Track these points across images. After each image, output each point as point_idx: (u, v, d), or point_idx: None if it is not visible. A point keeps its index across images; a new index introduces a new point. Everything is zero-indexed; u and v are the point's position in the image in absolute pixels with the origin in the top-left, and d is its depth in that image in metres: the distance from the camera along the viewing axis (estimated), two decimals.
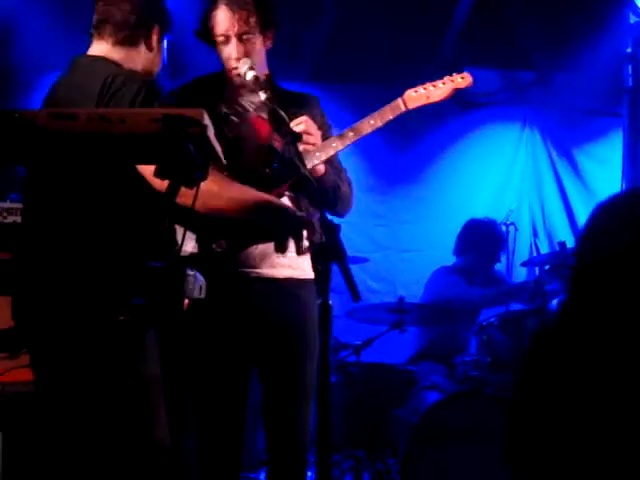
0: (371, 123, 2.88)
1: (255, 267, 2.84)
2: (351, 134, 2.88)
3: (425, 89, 2.96)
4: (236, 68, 2.90)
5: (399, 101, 2.93)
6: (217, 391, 2.87)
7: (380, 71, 5.89)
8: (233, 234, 2.76)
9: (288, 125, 2.69)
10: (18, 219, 3.58)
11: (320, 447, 2.37)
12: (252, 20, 2.89)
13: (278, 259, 2.88)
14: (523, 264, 5.39)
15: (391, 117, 2.91)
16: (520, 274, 5.79)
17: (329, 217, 2.25)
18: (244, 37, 2.88)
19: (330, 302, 2.22)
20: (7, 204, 3.62)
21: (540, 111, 6.28)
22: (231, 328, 2.83)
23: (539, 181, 6.25)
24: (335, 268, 2.18)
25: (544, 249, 5.90)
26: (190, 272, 1.96)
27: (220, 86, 2.99)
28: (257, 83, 2.81)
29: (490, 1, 5.84)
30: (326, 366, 2.22)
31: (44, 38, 5.41)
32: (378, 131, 5.70)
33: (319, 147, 2.85)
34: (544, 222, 6.19)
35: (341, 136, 2.88)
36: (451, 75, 2.95)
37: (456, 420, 4.11)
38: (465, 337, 5.05)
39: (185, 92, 2.97)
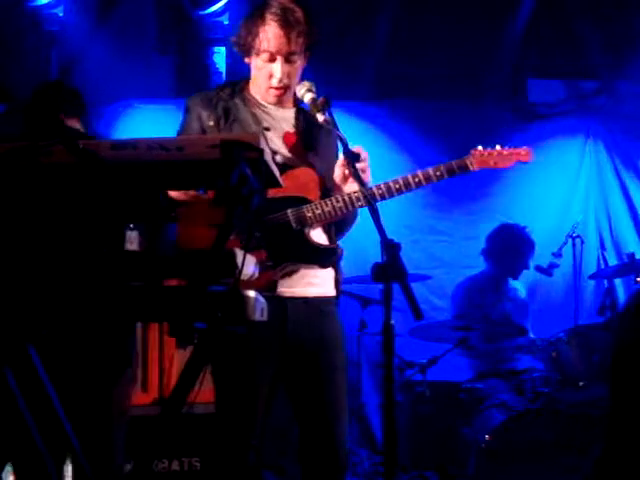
0: (437, 174, 2.88)
1: (292, 287, 2.85)
2: (416, 180, 2.86)
3: (491, 154, 3.01)
4: (278, 88, 2.88)
5: (467, 161, 2.94)
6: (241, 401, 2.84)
7: (441, 85, 5.88)
8: (277, 253, 2.78)
9: (347, 145, 2.70)
10: None
11: (387, 467, 2.35)
12: (300, 40, 2.86)
13: (311, 279, 2.90)
14: (591, 277, 5.30)
15: (457, 173, 2.92)
16: (588, 287, 5.69)
17: (389, 237, 2.23)
18: (291, 57, 2.86)
19: (392, 321, 2.21)
20: None
21: (604, 121, 6.19)
22: (264, 346, 2.82)
23: (605, 193, 6.15)
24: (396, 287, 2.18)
25: (612, 261, 5.80)
26: (251, 294, 1.97)
27: (244, 96, 2.96)
28: (314, 105, 2.80)
29: (552, 10, 5.79)
30: (390, 386, 2.21)
31: (104, 71, 5.54)
32: (436, 144, 5.72)
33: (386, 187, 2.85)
34: (611, 234, 6.09)
35: (406, 178, 2.86)
36: (517, 147, 3.07)
37: (526, 438, 4.05)
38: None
39: (210, 99, 2.93)
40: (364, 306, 5.03)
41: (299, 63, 2.91)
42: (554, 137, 6.18)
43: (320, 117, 2.76)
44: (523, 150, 3.07)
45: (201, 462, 3.69)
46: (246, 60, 2.96)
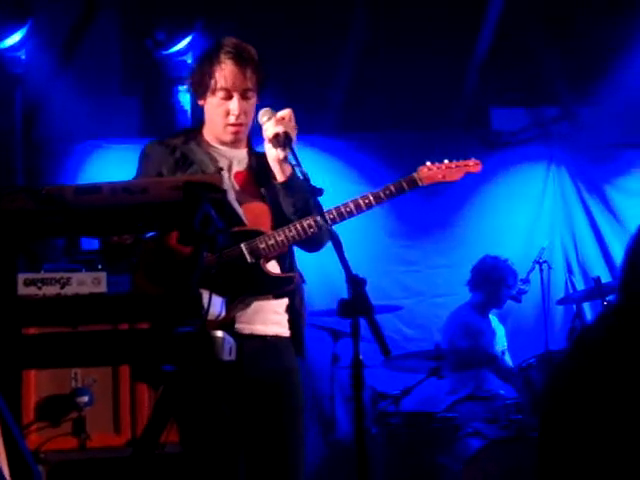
0: (386, 193, 2.92)
1: (250, 323, 2.85)
2: (367, 201, 2.89)
3: (440, 168, 3.05)
4: (235, 125, 2.89)
5: (415, 177, 2.99)
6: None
7: (404, 117, 5.93)
8: (234, 288, 2.78)
9: (309, 180, 2.72)
10: (52, 290, 3.62)
11: None
12: (254, 77, 2.90)
13: (270, 315, 2.90)
14: (559, 302, 5.35)
15: (406, 190, 2.96)
16: (557, 312, 5.74)
17: (354, 272, 2.25)
18: (247, 94, 2.89)
19: (361, 356, 2.22)
20: (41, 274, 3.67)
21: (567, 147, 6.27)
22: (220, 385, 2.79)
23: (570, 217, 6.22)
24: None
25: (580, 285, 5.86)
26: (219, 334, 1.98)
27: (198, 140, 2.97)
28: (277, 141, 2.81)
29: (512, 38, 5.87)
30: (360, 421, 2.21)
31: (71, 111, 5.55)
32: (402, 174, 5.75)
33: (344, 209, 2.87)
34: (577, 258, 6.15)
35: (356, 201, 2.89)
36: (465, 159, 3.10)
37: (501, 466, 4.05)
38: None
39: (167, 145, 2.94)
40: (336, 339, 5.04)
41: (253, 100, 2.93)
42: (518, 164, 6.26)
43: (281, 152, 2.79)
44: (471, 162, 3.10)
45: None
46: (200, 102, 2.97)
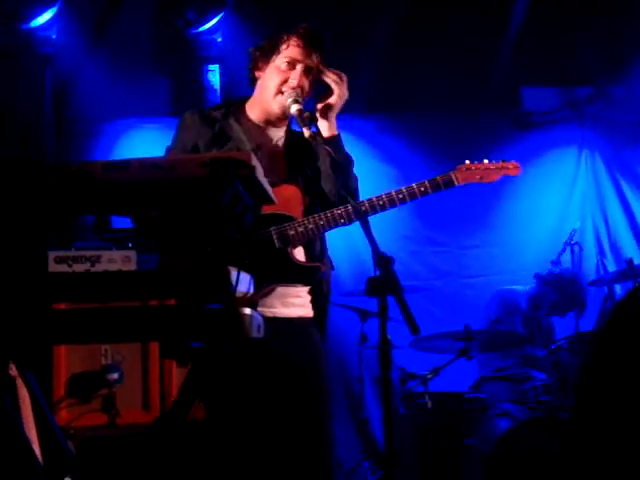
0: (421, 190, 2.90)
1: (272, 307, 2.85)
2: (400, 196, 2.87)
3: (478, 168, 3.03)
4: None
5: (452, 176, 2.96)
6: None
7: (433, 97, 5.88)
8: (259, 272, 2.78)
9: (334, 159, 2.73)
10: (82, 268, 3.65)
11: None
12: (317, 64, 2.95)
13: (292, 299, 2.91)
14: (591, 283, 5.30)
15: (442, 189, 2.93)
16: (588, 294, 5.68)
17: (385, 249, 2.23)
18: (307, 72, 2.93)
19: (389, 335, 2.20)
20: (72, 252, 3.70)
21: (600, 127, 6.19)
22: (245, 366, 2.81)
23: (602, 199, 6.14)
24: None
25: (611, 267, 5.79)
26: (247, 311, 1.97)
27: (238, 116, 3.00)
28: (301, 117, 2.82)
29: (544, 17, 5.80)
30: (388, 400, 2.20)
31: (101, 90, 5.56)
32: (432, 157, 5.73)
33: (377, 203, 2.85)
34: (610, 240, 6.08)
35: (390, 195, 2.87)
36: (505, 161, 3.08)
37: (530, 447, 4.03)
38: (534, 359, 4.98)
39: (207, 117, 2.97)
40: (364, 319, 5.03)
41: (309, 83, 2.96)
42: (550, 145, 6.18)
43: (306, 132, 2.79)
44: (511, 164, 3.07)
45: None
46: (257, 74, 2.99)
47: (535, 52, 5.97)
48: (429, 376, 4.64)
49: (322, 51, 2.96)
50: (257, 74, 3.00)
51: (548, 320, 5.24)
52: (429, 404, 4.60)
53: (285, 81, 2.91)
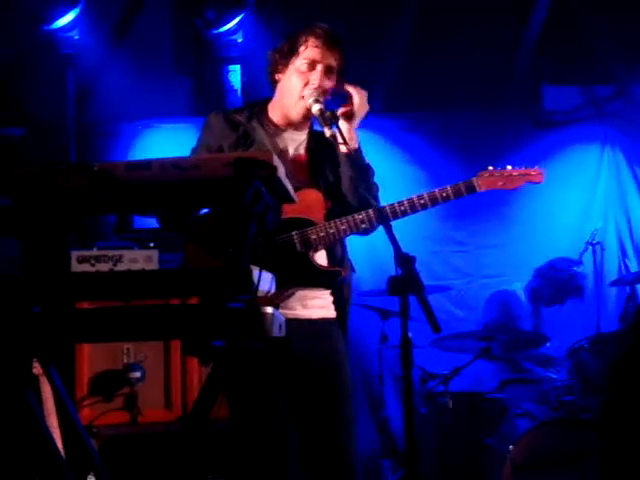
0: (443, 195, 2.89)
1: (292, 309, 2.86)
2: (422, 201, 2.87)
3: (501, 175, 3.01)
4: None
5: (474, 183, 2.95)
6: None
7: (456, 96, 5.87)
8: (280, 275, 2.78)
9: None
10: (105, 268, 3.67)
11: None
12: (339, 61, 2.94)
13: (313, 301, 2.91)
14: (612, 283, 5.27)
15: (463, 194, 2.93)
16: (610, 294, 5.66)
17: (405, 249, 2.23)
18: (328, 72, 2.91)
19: (410, 334, 2.21)
20: (94, 252, 3.72)
21: (622, 126, 6.14)
22: (271, 365, 2.82)
23: (624, 198, 6.09)
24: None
25: (634, 267, 5.76)
26: (269, 310, 1.98)
27: (261, 119, 2.99)
28: (322, 116, 2.81)
29: (565, 16, 5.77)
30: (410, 399, 2.21)
31: (122, 90, 5.60)
32: (454, 156, 5.72)
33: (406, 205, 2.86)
34: (632, 240, 6.03)
35: (411, 200, 2.87)
36: (527, 167, 3.05)
37: (551, 447, 4.01)
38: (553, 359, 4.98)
39: (231, 119, 2.96)
40: (384, 318, 5.03)
41: (332, 84, 2.94)
42: (571, 144, 6.15)
43: (327, 132, 2.78)
44: (534, 171, 3.05)
45: (225, 479, 3.69)
46: (277, 76, 2.98)
47: (556, 51, 5.95)
48: (449, 376, 4.64)
49: (341, 49, 2.95)
50: (277, 77, 2.99)
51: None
52: (450, 404, 4.59)
53: (306, 84, 2.90)
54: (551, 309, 5.53)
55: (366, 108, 2.95)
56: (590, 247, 5.04)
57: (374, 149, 5.53)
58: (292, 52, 2.92)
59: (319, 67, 2.90)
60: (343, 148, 2.87)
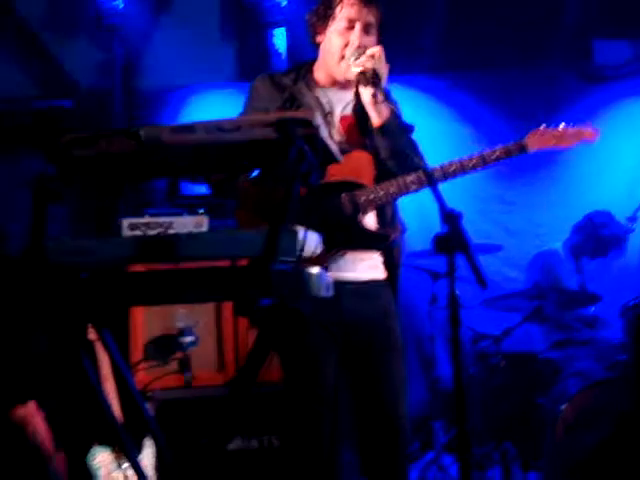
0: (493, 157, 2.83)
1: (343, 271, 2.85)
2: (472, 163, 2.82)
3: (554, 134, 2.95)
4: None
5: (525, 143, 2.88)
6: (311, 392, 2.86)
7: (504, 52, 5.79)
8: (329, 238, 2.78)
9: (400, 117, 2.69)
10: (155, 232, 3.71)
11: (460, 440, 2.34)
12: (376, 17, 2.90)
13: (362, 263, 2.90)
14: None
15: (514, 155, 2.86)
16: (623, 229, 5.56)
17: (449, 207, 2.21)
18: (367, 29, 2.88)
19: (458, 292, 2.20)
20: (145, 219, 3.77)
21: None
22: (320, 330, 2.82)
23: None
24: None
25: None
26: (315, 271, 1.99)
27: (308, 80, 2.97)
28: (364, 76, 2.77)
29: None
30: (458, 357, 2.20)
31: (168, 58, 5.62)
32: (502, 114, 5.64)
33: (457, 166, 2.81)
34: None
35: (461, 162, 2.82)
36: (582, 126, 2.97)
37: (605, 407, 3.98)
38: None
39: (278, 82, 2.95)
40: (435, 280, 5.02)
41: (373, 39, 2.90)
42: (623, 99, 6.02)
43: (369, 91, 2.75)
44: (588, 130, 2.96)
45: (280, 440, 3.73)
46: (317, 38, 2.96)
47: (605, 5, 5.82)
48: (501, 336, 4.62)
49: (378, 4, 2.90)
50: (318, 39, 2.97)
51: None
52: (502, 364, 4.58)
53: (346, 44, 2.87)
54: (600, 269, 5.47)
55: (387, 67, 2.84)
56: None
57: (421, 108, 5.51)
58: (328, 14, 2.89)
59: (358, 25, 2.86)
60: (375, 120, 2.83)
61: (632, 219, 5.10)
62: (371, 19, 2.88)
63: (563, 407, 4.02)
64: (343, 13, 2.87)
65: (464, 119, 5.86)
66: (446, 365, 5.23)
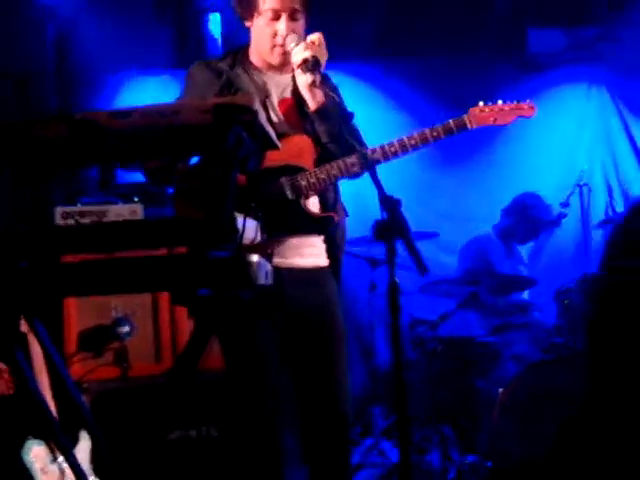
0: (434, 135, 2.82)
1: (287, 257, 2.84)
2: (413, 142, 2.81)
3: (492, 110, 2.94)
4: (282, 45, 2.84)
5: (465, 120, 2.87)
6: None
7: (438, 40, 5.81)
8: (272, 224, 2.76)
9: (341, 105, 2.68)
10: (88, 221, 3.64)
11: (400, 424, 2.35)
12: (300, 2, 2.85)
13: (307, 249, 2.89)
14: (599, 225, 5.28)
15: (455, 133, 2.85)
16: (597, 235, 5.67)
17: (388, 193, 2.21)
18: (293, 15, 2.84)
19: (397, 279, 2.20)
20: (79, 207, 3.69)
21: (607, 67, 6.13)
22: (265, 313, 2.82)
23: (610, 139, 6.11)
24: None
25: (620, 208, 5.77)
26: (255, 258, 1.96)
27: (245, 65, 2.94)
28: (304, 64, 2.75)
29: None
30: (398, 343, 2.21)
31: (103, 42, 5.53)
32: (438, 101, 5.68)
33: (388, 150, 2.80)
34: (618, 181, 6.05)
35: (402, 141, 2.81)
36: (519, 102, 2.97)
37: (542, 389, 4.04)
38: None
39: (214, 68, 2.91)
40: (373, 267, 5.03)
41: (302, 22, 2.88)
42: (557, 86, 6.12)
43: (309, 77, 2.73)
44: (526, 105, 2.97)
45: (218, 429, 3.70)
46: (247, 24, 2.93)
47: None
48: (438, 321, 4.66)
49: None
50: (247, 24, 2.94)
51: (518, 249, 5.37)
52: (439, 349, 4.62)
53: (274, 34, 2.85)
54: (533, 254, 5.57)
55: (326, 55, 2.83)
56: (577, 189, 5.04)
57: (356, 95, 5.48)
58: (251, 8, 2.86)
59: (283, 15, 2.83)
60: (311, 104, 2.81)
61: (565, 204, 5.19)
62: (295, 5, 2.84)
63: (500, 390, 4.07)
64: (267, 4, 2.84)
65: (399, 106, 5.89)
66: (385, 353, 5.26)
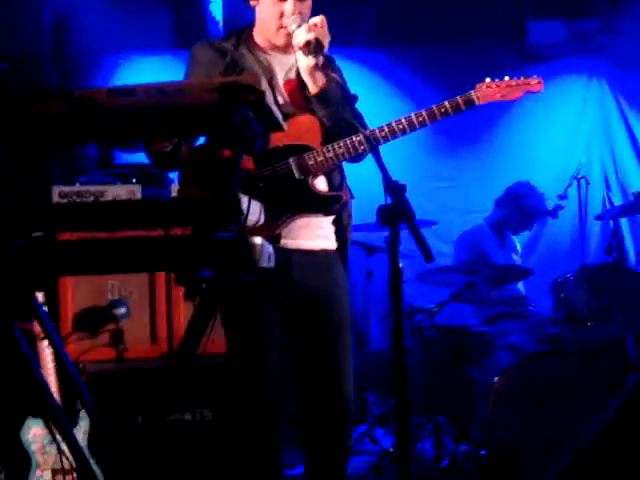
0: (442, 111, 2.79)
1: (296, 238, 2.82)
2: (420, 119, 2.78)
3: (499, 86, 2.90)
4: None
5: (472, 96, 2.84)
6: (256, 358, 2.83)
7: (441, 29, 5.80)
8: (280, 204, 2.74)
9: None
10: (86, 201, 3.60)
11: (399, 411, 2.35)
12: None
13: (316, 231, 2.87)
14: (597, 217, 5.28)
15: (463, 109, 2.82)
16: (594, 227, 5.67)
17: (393, 178, 2.19)
18: None
19: (400, 265, 2.18)
20: (77, 187, 3.67)
21: (607, 60, 6.12)
22: (271, 295, 2.80)
23: (609, 132, 6.10)
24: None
25: (617, 201, 5.77)
26: (258, 241, 1.94)
27: (249, 45, 2.92)
28: (307, 46, 2.73)
29: None
30: (399, 331, 2.19)
31: (101, 23, 5.49)
32: (440, 91, 5.67)
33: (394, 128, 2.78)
34: (616, 174, 6.06)
35: (409, 118, 2.79)
36: (527, 77, 2.94)
37: (536, 379, 4.04)
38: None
39: (218, 48, 2.88)
40: (370, 254, 5.01)
41: (309, 2, 2.85)
42: (556, 78, 6.09)
43: (312, 60, 2.71)
44: (533, 80, 2.93)
45: (213, 413, 3.69)
46: (252, 3, 2.90)
47: None
48: (435, 309, 4.65)
49: None
50: (252, 3, 2.91)
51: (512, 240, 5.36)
52: (436, 337, 4.61)
53: (281, 15, 2.82)
54: (528, 245, 5.57)
55: (328, 37, 2.80)
56: (575, 181, 5.02)
57: (360, 81, 5.47)
58: None
59: None
60: (312, 87, 2.79)
61: (563, 197, 5.18)
62: None
63: (496, 379, 4.07)
64: None
65: (401, 93, 5.88)
66: (380, 341, 5.26)
